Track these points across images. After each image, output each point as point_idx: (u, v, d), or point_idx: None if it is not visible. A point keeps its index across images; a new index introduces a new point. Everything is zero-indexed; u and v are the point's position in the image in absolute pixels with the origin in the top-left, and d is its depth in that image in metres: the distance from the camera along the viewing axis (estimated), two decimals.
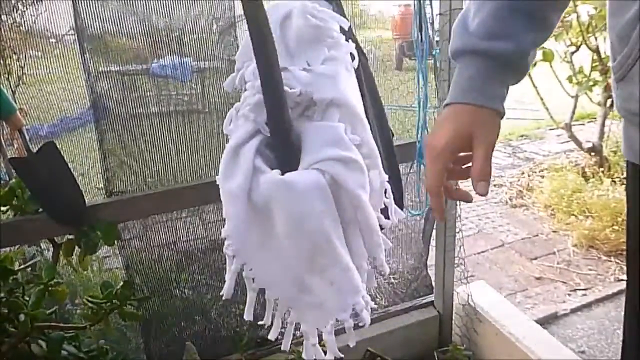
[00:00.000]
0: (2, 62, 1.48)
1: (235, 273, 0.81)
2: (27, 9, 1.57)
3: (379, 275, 0.86)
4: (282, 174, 0.76)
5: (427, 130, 1.53)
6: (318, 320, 0.80)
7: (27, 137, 1.14)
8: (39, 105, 1.64)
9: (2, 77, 1.49)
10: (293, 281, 0.81)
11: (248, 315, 0.83)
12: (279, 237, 0.78)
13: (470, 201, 0.83)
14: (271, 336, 0.84)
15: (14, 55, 1.40)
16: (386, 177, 0.88)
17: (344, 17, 1.04)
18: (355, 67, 0.91)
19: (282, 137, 0.80)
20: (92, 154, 1.59)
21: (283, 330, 0.86)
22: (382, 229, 0.89)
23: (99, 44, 1.34)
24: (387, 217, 0.91)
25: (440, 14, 1.48)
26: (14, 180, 1.21)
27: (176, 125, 1.47)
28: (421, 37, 1.41)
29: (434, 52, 1.51)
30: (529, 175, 3.54)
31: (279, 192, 0.75)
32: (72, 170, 1.19)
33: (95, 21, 1.32)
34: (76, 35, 1.32)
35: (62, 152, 1.18)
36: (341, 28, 0.95)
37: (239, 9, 1.53)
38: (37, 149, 1.16)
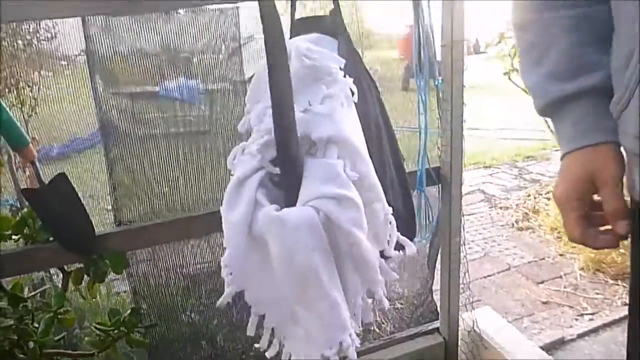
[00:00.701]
0: (15, 92, 1.52)
1: (229, 297, 0.85)
2: (39, 32, 1.62)
3: (379, 310, 0.88)
4: (281, 209, 0.79)
5: (428, 158, 1.56)
6: (306, 352, 0.83)
7: (39, 169, 1.17)
8: (49, 126, 1.68)
9: (15, 107, 1.53)
10: (286, 312, 0.84)
11: (250, 332, 0.88)
12: (274, 268, 0.81)
13: (616, 247, 0.77)
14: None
15: (27, 87, 1.45)
16: (390, 209, 0.90)
17: (353, 50, 1.08)
18: (356, 101, 0.94)
19: (288, 167, 0.83)
20: (101, 176, 1.62)
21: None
22: (387, 258, 0.91)
23: (109, 65, 1.37)
24: (397, 249, 0.93)
25: (442, 45, 1.51)
26: (25, 210, 1.24)
27: (183, 147, 1.49)
28: (420, 68, 1.44)
29: (436, 83, 1.54)
30: (535, 198, 3.55)
31: (273, 227, 0.78)
32: (81, 199, 1.22)
33: (105, 43, 1.35)
34: (86, 57, 1.35)
35: (72, 182, 1.21)
36: (349, 60, 0.99)
37: (245, 31, 1.57)
38: (49, 179, 1.19)
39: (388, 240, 0.91)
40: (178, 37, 1.44)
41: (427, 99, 1.49)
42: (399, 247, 0.96)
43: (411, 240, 1.23)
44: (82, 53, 1.50)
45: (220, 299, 0.86)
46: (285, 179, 0.84)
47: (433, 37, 1.53)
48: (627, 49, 0.70)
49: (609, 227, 0.76)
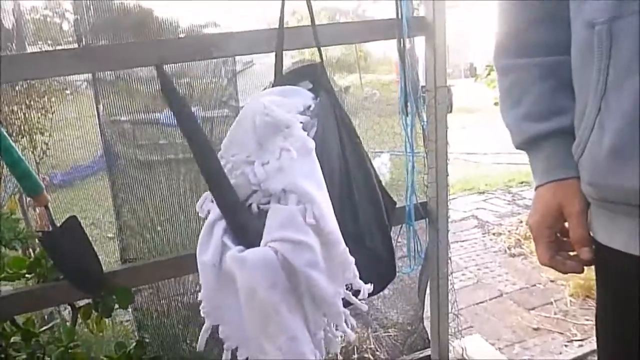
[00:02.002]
0: (28, 138, 1.63)
1: (207, 331, 0.98)
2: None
3: (344, 340, 0.99)
4: (244, 250, 0.89)
5: (416, 195, 1.65)
6: None
7: (51, 213, 1.26)
8: (52, 153, 1.75)
9: (28, 152, 1.64)
10: (255, 344, 0.93)
11: None
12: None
13: (580, 272, 0.86)
14: None
15: (40, 135, 1.55)
16: (346, 249, 0.97)
17: (330, 102, 1.19)
18: (311, 149, 1.01)
19: (231, 219, 0.93)
20: (104, 203, 1.69)
21: None
22: (349, 305, 1.01)
23: (112, 92, 1.45)
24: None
25: (427, 90, 1.62)
26: (38, 250, 1.33)
27: (185, 174, 1.57)
28: (406, 112, 1.55)
29: (422, 124, 1.64)
30: (527, 224, 3.62)
31: (237, 266, 0.88)
32: (91, 241, 1.32)
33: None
34: (92, 86, 1.44)
35: (83, 225, 1.30)
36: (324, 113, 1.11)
37: (244, 57, 1.67)
38: (60, 223, 1.28)
39: (348, 285, 0.98)
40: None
41: (414, 141, 1.59)
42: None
43: (393, 276, 1.33)
44: (84, 82, 1.60)
45: (200, 336, 0.98)
46: (231, 228, 0.95)
47: (418, 81, 1.63)
48: (582, 103, 0.78)
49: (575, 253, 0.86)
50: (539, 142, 0.87)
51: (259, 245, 0.90)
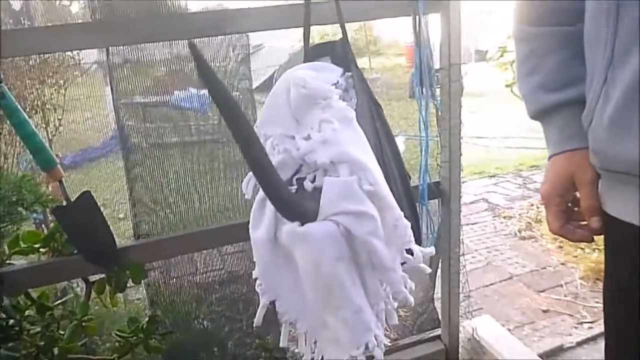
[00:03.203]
0: (42, 114, 1.63)
1: (264, 308, 0.96)
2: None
3: (404, 306, 0.98)
4: (302, 225, 0.87)
5: (429, 175, 1.64)
6: (336, 354, 0.92)
7: (65, 187, 1.27)
8: (65, 131, 1.76)
9: (41, 128, 1.64)
10: (316, 317, 0.93)
11: (283, 343, 0.99)
12: (301, 278, 0.91)
13: (590, 241, 0.88)
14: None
15: (54, 111, 1.55)
16: (401, 214, 0.95)
17: (359, 77, 1.18)
18: (352, 118, 1.01)
19: (277, 201, 0.88)
20: (115, 184, 1.70)
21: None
22: (404, 264, 0.99)
23: (123, 74, 1.43)
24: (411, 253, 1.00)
25: (440, 68, 1.60)
26: (52, 225, 1.34)
27: (197, 155, 1.57)
28: (422, 90, 1.53)
29: (435, 103, 1.62)
30: (537, 207, 3.61)
31: (297, 242, 0.87)
32: (104, 216, 1.32)
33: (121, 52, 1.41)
34: (104, 67, 1.43)
35: (96, 200, 1.31)
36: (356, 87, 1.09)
37: (252, 40, 1.66)
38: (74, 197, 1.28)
39: (405, 243, 0.96)
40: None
41: (428, 120, 1.57)
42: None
43: None
44: (94, 63, 1.59)
45: (258, 312, 0.97)
46: (278, 209, 0.90)
47: (432, 61, 1.61)
48: (592, 73, 0.78)
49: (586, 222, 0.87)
50: (553, 113, 0.88)
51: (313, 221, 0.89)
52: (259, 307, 0.97)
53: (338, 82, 1.13)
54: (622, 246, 0.83)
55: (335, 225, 0.86)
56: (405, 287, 0.96)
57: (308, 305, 0.94)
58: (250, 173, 1.01)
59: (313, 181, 0.96)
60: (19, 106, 1.19)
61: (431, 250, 1.00)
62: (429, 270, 1.01)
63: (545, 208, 0.90)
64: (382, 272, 0.92)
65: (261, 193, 0.97)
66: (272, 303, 0.98)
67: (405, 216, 0.99)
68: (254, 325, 0.98)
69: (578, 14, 0.82)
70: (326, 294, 0.88)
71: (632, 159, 0.70)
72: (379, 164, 1.11)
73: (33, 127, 1.22)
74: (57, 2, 1.59)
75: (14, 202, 1.14)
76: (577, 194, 0.88)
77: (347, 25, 1.29)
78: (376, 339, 0.91)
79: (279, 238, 0.92)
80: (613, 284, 0.89)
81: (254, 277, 0.98)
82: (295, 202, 0.91)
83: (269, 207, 0.94)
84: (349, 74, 1.18)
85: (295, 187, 0.98)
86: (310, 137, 0.96)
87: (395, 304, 0.97)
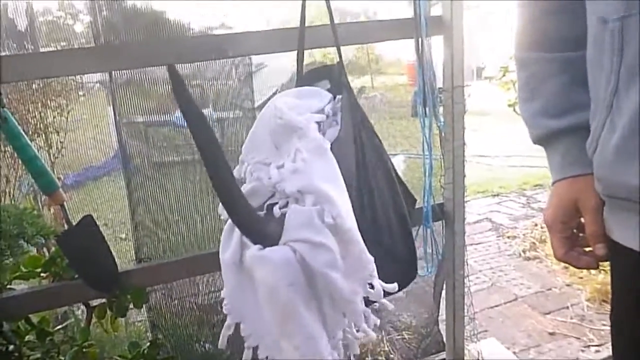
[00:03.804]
0: (44, 137, 1.63)
1: (228, 328, 0.97)
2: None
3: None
4: (264, 248, 0.89)
5: (433, 197, 1.63)
6: None
7: (67, 211, 1.26)
8: (67, 153, 1.76)
9: (44, 151, 1.64)
10: (273, 342, 0.93)
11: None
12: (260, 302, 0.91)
13: (595, 268, 0.87)
14: None
15: (56, 134, 1.56)
16: (364, 248, 0.95)
17: (350, 89, 1.18)
18: (326, 149, 1.01)
19: (242, 226, 0.92)
20: (116, 204, 1.69)
21: None
22: (372, 302, 0.99)
23: (126, 94, 1.45)
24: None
25: (443, 90, 1.60)
26: (53, 249, 1.33)
27: (199, 174, 1.56)
28: (425, 112, 1.53)
29: (439, 124, 1.62)
30: (542, 227, 3.58)
31: (256, 264, 0.89)
32: (106, 237, 1.31)
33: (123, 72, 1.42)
34: (106, 87, 1.44)
35: (98, 224, 1.30)
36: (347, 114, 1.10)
37: (255, 59, 1.67)
38: (75, 222, 1.27)
39: (369, 283, 0.96)
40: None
41: (432, 142, 1.57)
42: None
43: (414, 275, 1.31)
44: (97, 83, 1.60)
45: (222, 333, 0.98)
46: (244, 234, 0.93)
47: (435, 82, 1.62)
48: (596, 100, 0.78)
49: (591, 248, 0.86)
50: (555, 139, 0.87)
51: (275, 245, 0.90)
52: (224, 328, 0.98)
53: (324, 108, 1.14)
54: (627, 272, 0.82)
55: (292, 251, 0.87)
56: (367, 322, 0.97)
57: (267, 330, 0.93)
58: None
59: (283, 207, 0.97)
60: (21, 130, 1.19)
61: (393, 286, 0.99)
62: (390, 306, 1.02)
63: (550, 234, 0.90)
64: (341, 304, 0.93)
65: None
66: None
67: (398, 246, 0.99)
68: (218, 346, 0.98)
69: (580, 41, 0.82)
70: (281, 319, 0.89)
71: (633, 185, 0.70)
72: (364, 191, 1.12)
73: (35, 151, 1.22)
74: (61, 21, 1.61)
75: (15, 235, 1.14)
76: (582, 220, 0.87)
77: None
78: None
79: (244, 262, 0.94)
80: (619, 309, 0.89)
81: (222, 297, 0.99)
82: (258, 225, 0.92)
83: (237, 231, 0.95)
84: (339, 97, 1.19)
85: (264, 212, 1.01)
86: (283, 165, 0.98)
87: (359, 335, 0.98)
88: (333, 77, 1.27)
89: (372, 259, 0.95)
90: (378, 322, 0.99)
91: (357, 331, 0.97)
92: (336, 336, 0.94)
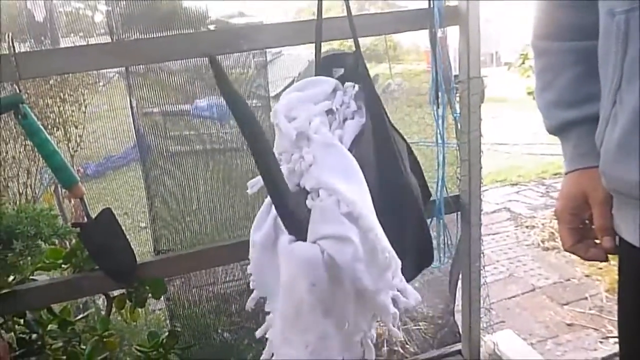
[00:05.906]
0: (63, 131, 1.66)
1: (253, 300, 1.02)
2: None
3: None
4: (297, 239, 0.91)
5: (446, 188, 1.63)
6: None
7: (87, 205, 1.28)
8: (86, 145, 1.79)
9: (63, 144, 1.67)
10: (282, 333, 0.93)
11: (259, 333, 1.03)
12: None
13: (604, 261, 0.87)
14: None
15: (74, 128, 1.58)
16: (382, 236, 0.93)
17: (366, 78, 1.18)
18: (331, 143, 1.01)
19: (281, 210, 0.93)
20: (136, 193, 1.72)
21: None
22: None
23: (145, 84, 1.47)
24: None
25: (459, 81, 1.58)
26: (74, 241, 1.36)
27: (217, 164, 1.59)
28: (438, 104, 1.52)
29: (454, 115, 1.61)
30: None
31: (284, 256, 0.91)
32: (125, 233, 1.33)
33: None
34: (124, 78, 1.46)
35: (117, 217, 1.32)
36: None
37: (267, 54, 1.67)
38: (95, 214, 1.30)
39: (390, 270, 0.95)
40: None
41: (445, 134, 1.56)
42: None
43: (430, 261, 1.30)
44: (116, 74, 1.61)
45: (249, 299, 1.02)
46: (281, 217, 0.94)
47: (451, 71, 1.60)
48: (604, 92, 0.76)
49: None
50: (567, 130, 0.87)
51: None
52: (250, 297, 1.02)
53: (331, 95, 1.13)
54: (629, 267, 0.82)
55: (320, 252, 0.87)
56: (394, 321, 0.95)
57: (280, 320, 0.95)
58: (259, 177, 1.03)
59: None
60: (40, 126, 1.21)
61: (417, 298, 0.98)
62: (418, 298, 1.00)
63: (559, 225, 0.89)
64: (366, 297, 0.92)
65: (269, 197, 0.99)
66: None
67: (414, 235, 0.99)
68: (246, 308, 1.02)
69: (595, 30, 0.80)
70: (294, 313, 0.89)
71: (634, 180, 0.69)
72: (375, 177, 1.10)
73: (54, 145, 1.24)
74: (81, 11, 1.62)
75: (32, 235, 1.17)
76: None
77: None
78: None
79: (276, 245, 0.95)
80: (625, 302, 0.87)
81: (248, 271, 1.02)
82: (297, 215, 0.93)
83: (272, 213, 0.97)
84: (354, 85, 1.18)
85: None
86: (292, 167, 0.99)
87: (373, 339, 0.99)
88: (348, 66, 1.26)
89: (392, 249, 0.94)
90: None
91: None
92: (355, 337, 0.94)
